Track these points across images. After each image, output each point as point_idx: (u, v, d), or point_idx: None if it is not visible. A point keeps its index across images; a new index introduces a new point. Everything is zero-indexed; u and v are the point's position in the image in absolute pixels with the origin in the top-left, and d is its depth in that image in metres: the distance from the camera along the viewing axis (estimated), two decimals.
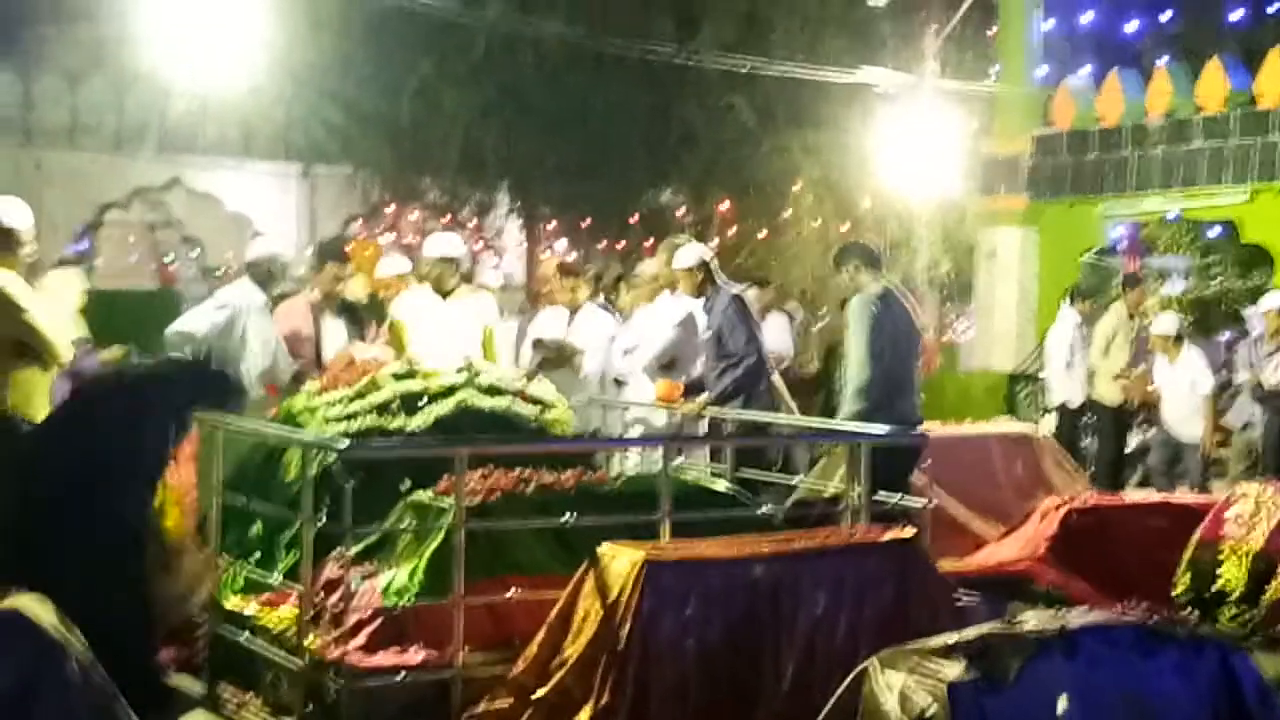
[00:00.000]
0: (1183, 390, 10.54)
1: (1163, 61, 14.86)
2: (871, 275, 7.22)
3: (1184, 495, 8.33)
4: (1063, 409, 11.39)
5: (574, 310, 9.03)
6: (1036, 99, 15.26)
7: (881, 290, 7.17)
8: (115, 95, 20.25)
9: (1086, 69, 15.59)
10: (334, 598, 5.02)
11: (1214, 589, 6.79)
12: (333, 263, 7.93)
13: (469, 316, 7.81)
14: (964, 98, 16.12)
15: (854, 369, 6.96)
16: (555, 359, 8.57)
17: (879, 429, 6.32)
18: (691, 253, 8.07)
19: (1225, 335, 19.90)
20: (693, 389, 7.86)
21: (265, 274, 7.54)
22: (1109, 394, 10.93)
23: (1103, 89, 14.39)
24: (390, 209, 21.14)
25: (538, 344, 8.78)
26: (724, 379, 7.72)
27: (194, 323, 7.30)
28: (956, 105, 15.83)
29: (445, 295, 7.78)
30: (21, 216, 6.41)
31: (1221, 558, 6.81)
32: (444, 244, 8.02)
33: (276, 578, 5.55)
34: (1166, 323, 10.77)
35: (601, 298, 9.85)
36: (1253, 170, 12.83)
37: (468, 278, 8.88)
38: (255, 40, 12.14)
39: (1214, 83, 13.41)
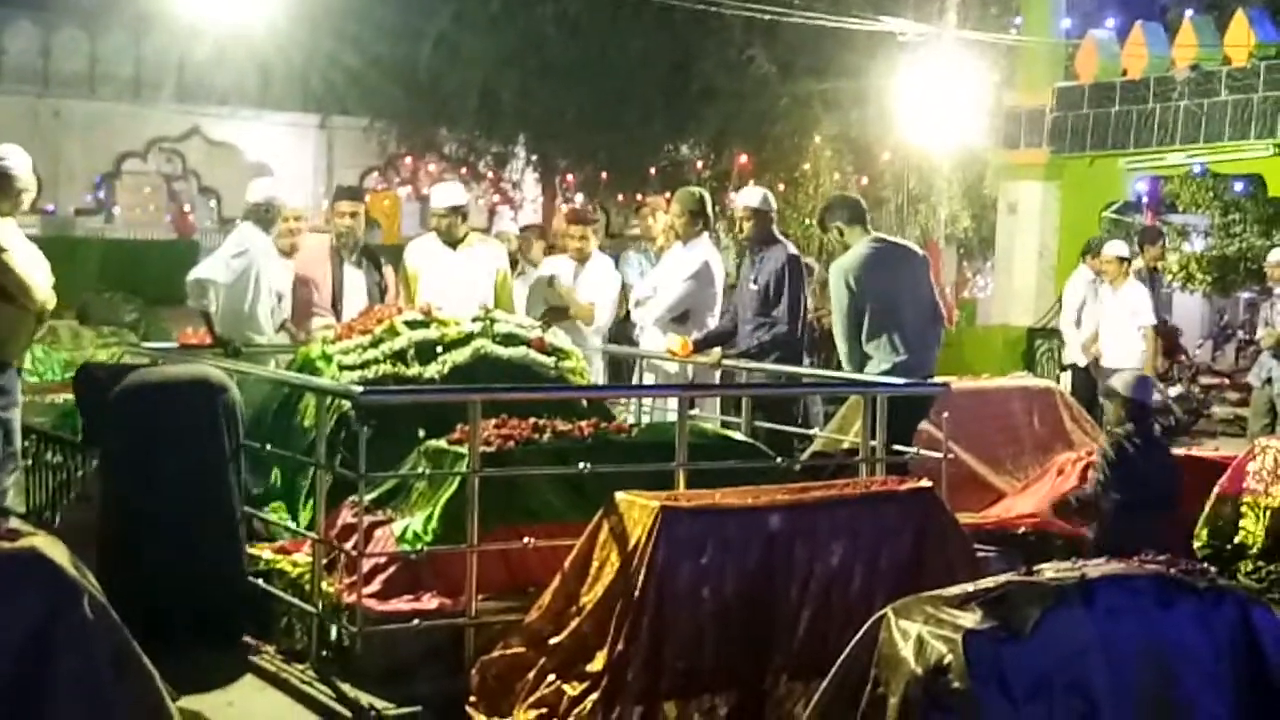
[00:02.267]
0: (1122, 320, 10.41)
1: (1188, 14, 14.67)
2: (859, 230, 6.84)
3: (1204, 450, 8.27)
4: (1076, 365, 11.30)
5: (583, 261, 8.59)
6: (1060, 51, 15.08)
7: (868, 248, 6.77)
8: (133, 43, 20.21)
9: (1111, 21, 15.40)
10: (349, 544, 5.02)
11: (1233, 543, 6.79)
12: (345, 201, 7.87)
13: (479, 266, 7.76)
14: (986, 49, 15.95)
15: (837, 337, 6.83)
16: (561, 310, 8.26)
17: (895, 380, 6.28)
18: (756, 193, 7.83)
19: (1246, 293, 19.80)
20: (704, 343, 7.69)
21: (264, 216, 7.51)
22: None
23: (1127, 41, 14.20)
24: (407, 160, 21.07)
25: (550, 282, 8.29)
26: (757, 336, 7.48)
27: (214, 269, 7.30)
28: (979, 56, 15.66)
29: (455, 245, 7.74)
30: (20, 163, 6.40)
31: (1242, 512, 6.80)
32: (449, 194, 7.97)
33: (292, 524, 5.56)
34: (1117, 246, 10.65)
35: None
36: (1279, 124, 12.67)
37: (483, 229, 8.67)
38: None
39: (1240, 35, 13.23)
